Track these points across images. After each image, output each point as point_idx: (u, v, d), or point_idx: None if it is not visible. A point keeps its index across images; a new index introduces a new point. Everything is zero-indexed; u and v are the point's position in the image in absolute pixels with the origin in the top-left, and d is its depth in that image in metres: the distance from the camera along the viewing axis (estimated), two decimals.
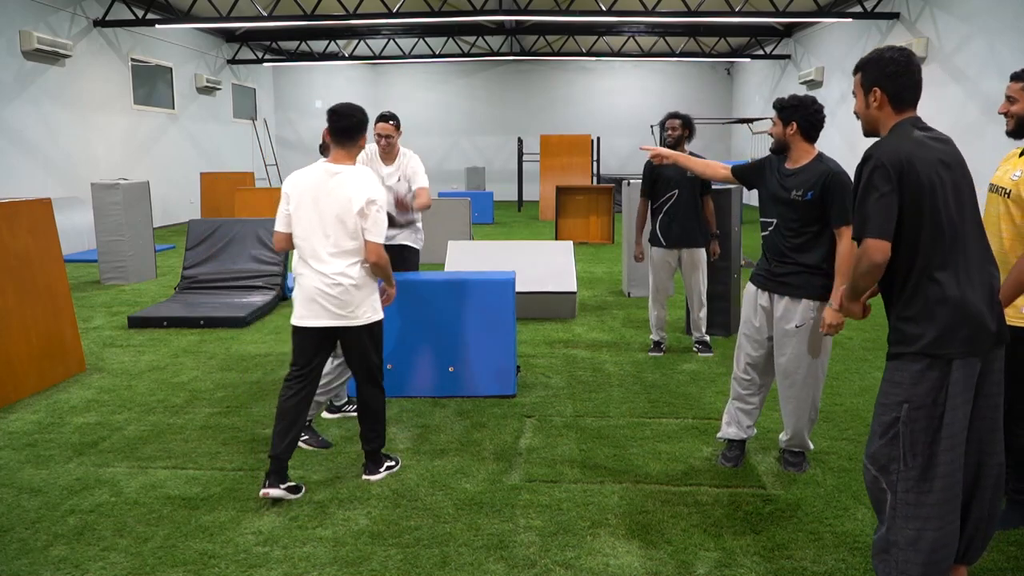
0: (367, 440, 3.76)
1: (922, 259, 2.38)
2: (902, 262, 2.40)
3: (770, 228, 3.69)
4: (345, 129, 3.52)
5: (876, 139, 2.54)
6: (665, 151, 4.13)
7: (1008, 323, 2.97)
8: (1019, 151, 3.17)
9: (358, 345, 3.63)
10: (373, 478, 3.77)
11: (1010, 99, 3.14)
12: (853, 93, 2.60)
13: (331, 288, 3.49)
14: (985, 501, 2.55)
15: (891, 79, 2.47)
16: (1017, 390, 3.08)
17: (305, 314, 3.56)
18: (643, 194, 5.93)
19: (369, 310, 3.61)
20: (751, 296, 3.78)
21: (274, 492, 3.48)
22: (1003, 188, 3.09)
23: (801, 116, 3.58)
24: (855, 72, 2.59)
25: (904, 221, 2.36)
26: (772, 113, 3.74)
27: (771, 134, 3.73)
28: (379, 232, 3.51)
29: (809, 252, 3.55)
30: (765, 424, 4.38)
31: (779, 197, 3.63)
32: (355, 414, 4.57)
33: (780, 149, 3.70)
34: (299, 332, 3.61)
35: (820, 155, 3.64)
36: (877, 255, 2.35)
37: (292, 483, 3.60)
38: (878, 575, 2.53)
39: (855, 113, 2.61)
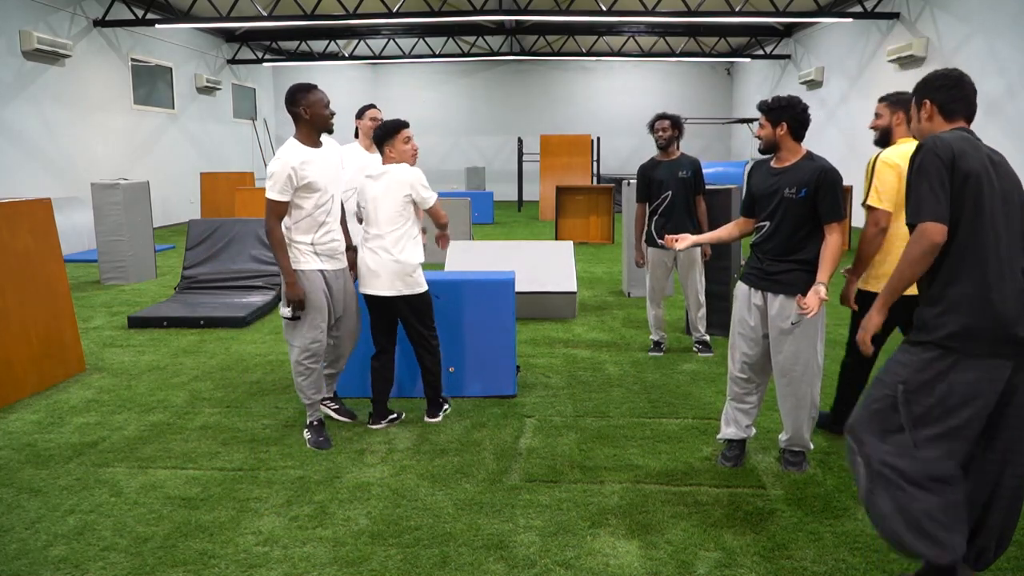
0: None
1: (958, 251, 2.41)
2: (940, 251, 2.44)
3: (763, 231, 3.71)
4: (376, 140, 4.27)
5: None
6: (683, 240, 3.97)
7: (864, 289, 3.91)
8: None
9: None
10: (433, 420, 4.54)
11: (877, 115, 3.80)
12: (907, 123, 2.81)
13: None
14: (1001, 510, 2.53)
15: (939, 91, 2.61)
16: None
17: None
18: (639, 199, 5.95)
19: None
20: (744, 295, 3.79)
21: (379, 426, 4.46)
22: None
23: (790, 116, 3.61)
24: (912, 99, 2.73)
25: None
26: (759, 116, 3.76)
27: (759, 136, 3.74)
28: None
29: (803, 250, 3.59)
30: (765, 424, 4.38)
31: (769, 196, 3.66)
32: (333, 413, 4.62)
33: (770, 150, 3.71)
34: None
35: (809, 153, 3.68)
36: (936, 235, 2.39)
37: (392, 416, 4.52)
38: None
39: (912, 134, 2.77)
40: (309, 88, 4.04)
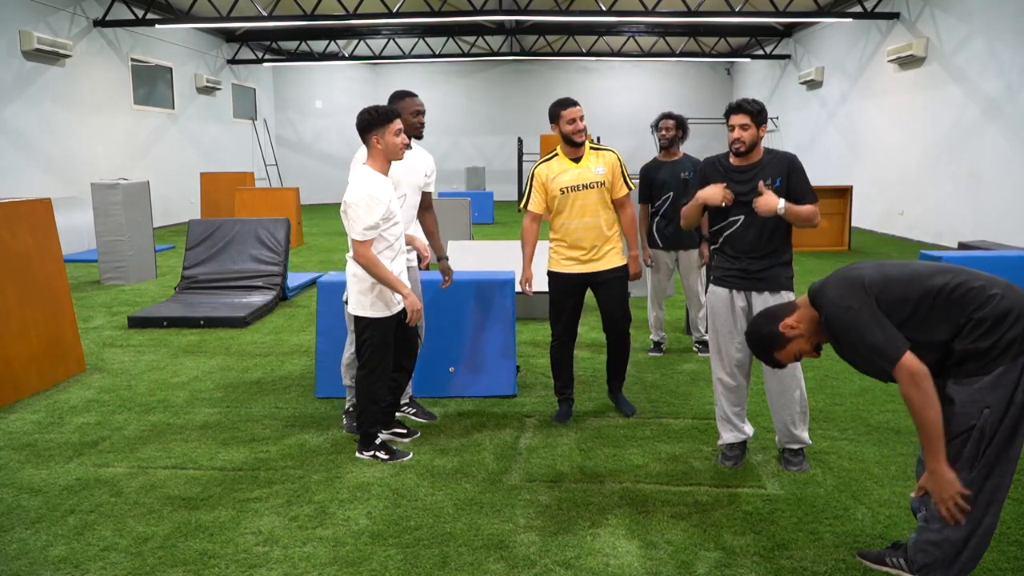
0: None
1: (944, 305, 2.41)
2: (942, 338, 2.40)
3: (736, 225, 3.71)
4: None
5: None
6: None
7: (597, 269, 4.37)
8: (564, 158, 4.38)
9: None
10: (357, 454, 4.05)
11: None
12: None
13: None
14: None
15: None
16: (615, 310, 4.47)
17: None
18: (642, 201, 5.94)
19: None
20: (724, 299, 3.78)
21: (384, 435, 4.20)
22: (596, 182, 4.33)
23: (766, 118, 3.73)
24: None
25: (907, 321, 2.40)
26: (748, 117, 3.70)
27: (742, 138, 3.66)
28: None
29: (777, 240, 3.66)
30: (766, 424, 4.38)
31: (746, 193, 3.67)
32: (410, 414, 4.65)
33: (750, 150, 3.71)
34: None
35: (766, 148, 3.77)
36: (915, 364, 2.34)
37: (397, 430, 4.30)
38: (919, 564, 2.59)
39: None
40: (403, 95, 4.28)
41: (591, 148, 4.43)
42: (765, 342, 2.69)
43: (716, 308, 3.81)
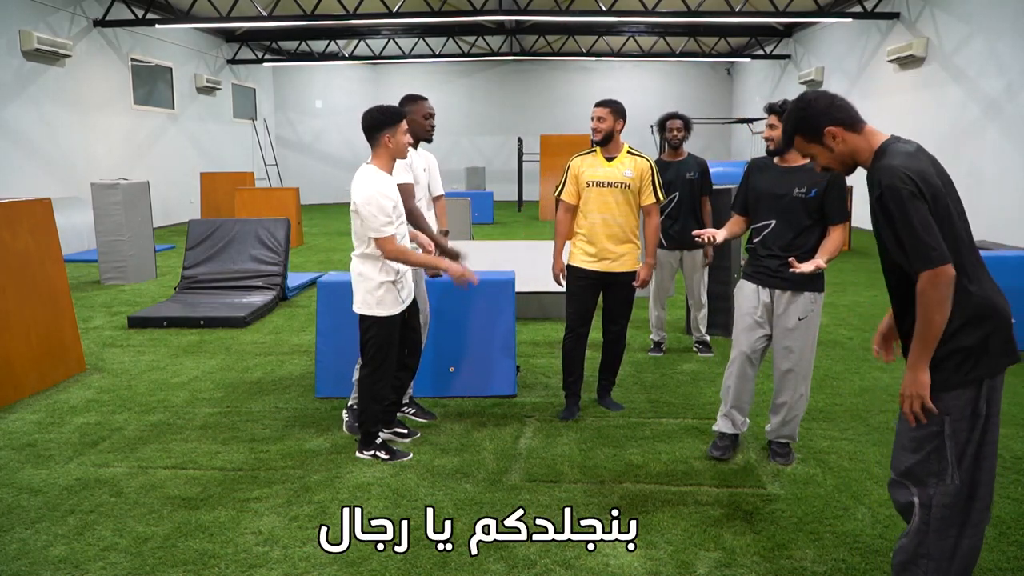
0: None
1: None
2: None
3: (767, 231, 3.75)
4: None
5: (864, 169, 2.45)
6: (712, 233, 3.83)
7: (610, 270, 4.47)
8: (600, 155, 4.48)
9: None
10: (357, 453, 4.04)
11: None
12: (806, 156, 2.53)
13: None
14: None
15: (830, 112, 2.41)
16: (617, 311, 4.67)
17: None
18: None
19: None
20: (751, 293, 3.82)
21: (385, 434, 4.20)
22: (623, 183, 4.40)
23: None
24: (793, 136, 2.49)
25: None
26: (766, 116, 3.88)
27: (771, 137, 3.84)
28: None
29: (805, 247, 3.67)
30: (765, 423, 4.38)
31: (777, 195, 3.72)
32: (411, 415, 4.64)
33: (781, 151, 3.78)
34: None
35: None
36: (952, 271, 2.20)
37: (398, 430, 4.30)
38: None
39: (824, 169, 2.50)
40: (416, 99, 4.55)
41: (628, 152, 4.52)
42: (803, 120, 2.44)
43: (741, 300, 3.87)
